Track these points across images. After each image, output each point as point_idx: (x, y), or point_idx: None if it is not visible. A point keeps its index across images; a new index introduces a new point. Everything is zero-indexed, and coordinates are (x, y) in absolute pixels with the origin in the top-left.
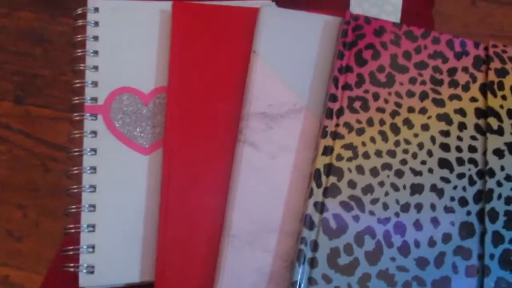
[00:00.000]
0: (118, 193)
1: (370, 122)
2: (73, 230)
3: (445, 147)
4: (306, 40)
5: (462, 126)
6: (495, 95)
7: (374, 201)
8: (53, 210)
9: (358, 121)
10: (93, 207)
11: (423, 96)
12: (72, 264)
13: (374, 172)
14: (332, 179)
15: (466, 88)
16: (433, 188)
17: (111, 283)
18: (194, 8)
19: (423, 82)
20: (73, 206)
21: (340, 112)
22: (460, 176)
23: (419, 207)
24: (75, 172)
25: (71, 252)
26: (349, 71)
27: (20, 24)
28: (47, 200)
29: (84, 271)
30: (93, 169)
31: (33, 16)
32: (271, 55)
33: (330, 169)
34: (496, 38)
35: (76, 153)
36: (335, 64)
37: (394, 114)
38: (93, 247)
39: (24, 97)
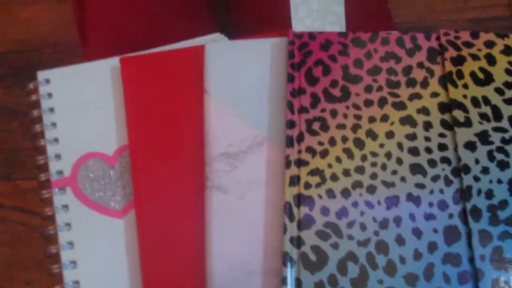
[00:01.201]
0: (99, 264)
1: (332, 142)
2: None
3: (414, 151)
4: (256, 68)
5: (427, 125)
6: (455, 86)
7: (350, 224)
8: (59, 281)
9: (320, 143)
10: (77, 283)
11: (382, 102)
12: None
13: (345, 193)
14: (304, 209)
15: (424, 84)
16: (409, 197)
17: None
18: (142, 60)
19: (379, 88)
20: (57, 287)
21: (300, 138)
22: (435, 178)
23: (398, 220)
24: (54, 251)
25: None
26: (302, 93)
27: None
28: None
29: None
30: (71, 244)
31: (3, 92)
32: (223, 92)
33: (300, 199)
34: (461, 11)
35: (52, 232)
36: (287, 88)
37: (355, 128)
38: None
39: (10, 173)
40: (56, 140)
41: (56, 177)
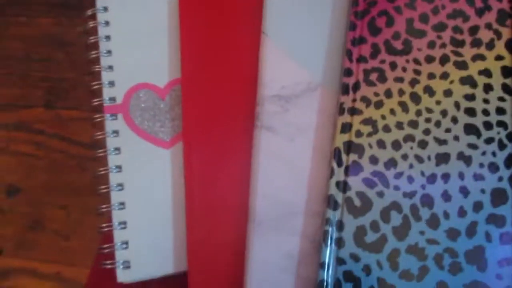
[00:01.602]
0: (145, 189)
1: (388, 94)
2: (106, 229)
3: (470, 111)
4: (316, 14)
5: (488, 88)
6: None
7: (398, 175)
8: (94, 207)
9: (376, 94)
10: (122, 204)
11: (444, 60)
12: (109, 262)
13: (396, 145)
14: (353, 156)
15: (490, 46)
16: (460, 156)
17: (147, 276)
18: None
19: (443, 45)
20: (104, 206)
21: (356, 87)
22: (489, 140)
23: (446, 177)
24: (103, 172)
25: (107, 250)
26: (362, 42)
27: (40, 31)
28: (87, 198)
29: (121, 267)
30: (119, 167)
31: (51, 22)
32: (281, 34)
33: (350, 147)
34: None
35: (101, 154)
36: (347, 36)
37: (413, 82)
38: (126, 243)
39: (53, 101)
40: (110, 67)
41: (108, 103)
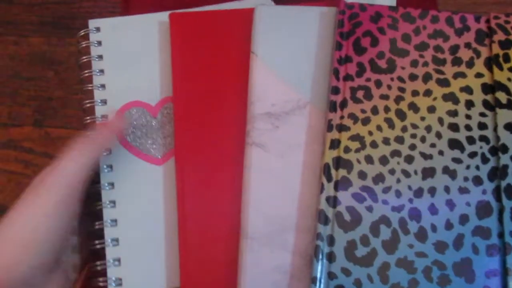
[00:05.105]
0: (137, 205)
1: (374, 111)
2: (98, 246)
3: (454, 127)
4: (303, 34)
5: (469, 104)
6: (501, 68)
7: (386, 190)
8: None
9: (363, 111)
10: (114, 221)
11: (427, 77)
12: (101, 279)
13: (384, 160)
14: (342, 171)
15: (470, 64)
16: (445, 170)
17: None
18: (191, 17)
19: (425, 64)
20: (97, 223)
21: (343, 104)
22: (472, 155)
23: (432, 191)
24: (95, 190)
25: (98, 268)
26: (348, 61)
27: (30, 50)
28: None
29: (113, 284)
30: (111, 185)
31: (41, 41)
32: (269, 54)
33: (339, 162)
34: (500, 5)
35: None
36: (334, 56)
37: (398, 99)
38: (118, 260)
39: (42, 120)
40: (103, 86)
41: (101, 120)
